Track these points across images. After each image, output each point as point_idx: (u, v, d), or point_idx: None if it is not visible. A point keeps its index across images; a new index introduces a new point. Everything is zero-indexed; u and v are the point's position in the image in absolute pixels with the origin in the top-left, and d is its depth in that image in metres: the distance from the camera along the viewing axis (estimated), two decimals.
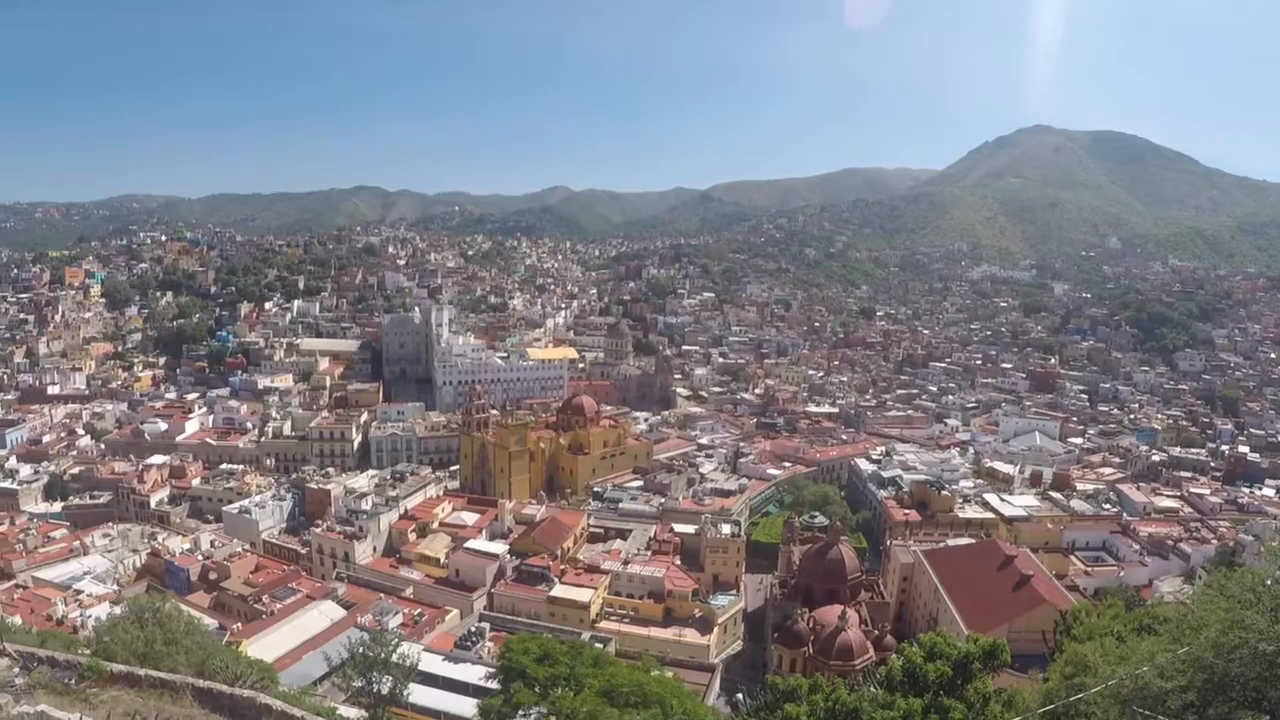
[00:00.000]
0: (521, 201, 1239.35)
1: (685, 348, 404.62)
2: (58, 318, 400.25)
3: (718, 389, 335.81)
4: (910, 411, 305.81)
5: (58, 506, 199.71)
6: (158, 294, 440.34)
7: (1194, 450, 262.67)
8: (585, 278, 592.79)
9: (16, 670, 41.21)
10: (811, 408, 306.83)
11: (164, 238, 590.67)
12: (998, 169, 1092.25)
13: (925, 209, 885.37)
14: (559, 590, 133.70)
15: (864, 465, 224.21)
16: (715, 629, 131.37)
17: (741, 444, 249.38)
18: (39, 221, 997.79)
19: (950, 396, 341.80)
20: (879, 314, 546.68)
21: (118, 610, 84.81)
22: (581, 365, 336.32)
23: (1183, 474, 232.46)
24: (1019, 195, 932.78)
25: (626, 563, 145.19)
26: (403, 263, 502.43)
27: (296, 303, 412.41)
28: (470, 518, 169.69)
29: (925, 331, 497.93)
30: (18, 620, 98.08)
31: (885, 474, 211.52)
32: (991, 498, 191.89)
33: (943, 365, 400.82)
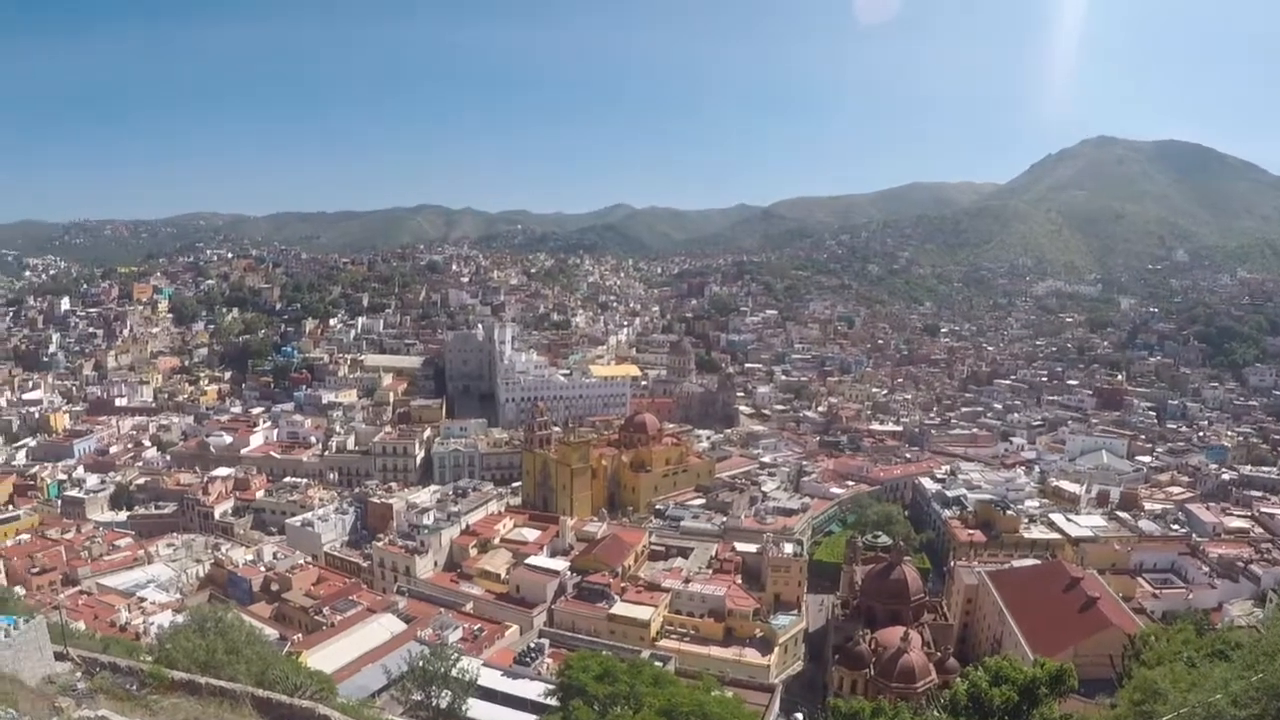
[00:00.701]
0: (584, 219, 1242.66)
1: (748, 365, 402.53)
2: (126, 332, 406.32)
3: (781, 407, 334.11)
4: (975, 430, 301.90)
5: (123, 516, 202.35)
6: (224, 310, 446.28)
7: (1265, 468, 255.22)
8: (648, 295, 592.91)
9: (79, 675, 41.41)
10: (875, 426, 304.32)
11: (230, 255, 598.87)
12: (1061, 181, 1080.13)
13: (989, 223, 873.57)
14: (619, 608, 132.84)
15: (928, 484, 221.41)
16: (776, 649, 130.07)
17: (804, 462, 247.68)
18: (108, 239, 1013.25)
19: (1015, 414, 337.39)
20: (943, 330, 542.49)
21: (180, 619, 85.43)
22: (644, 383, 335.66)
23: (1254, 493, 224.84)
24: (1083, 208, 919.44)
25: (687, 581, 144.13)
26: (466, 280, 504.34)
27: (361, 319, 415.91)
28: (532, 534, 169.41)
29: (990, 348, 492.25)
30: (81, 626, 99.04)
31: (949, 493, 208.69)
32: (1057, 518, 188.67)
33: (1008, 382, 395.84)
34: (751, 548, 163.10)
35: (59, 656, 44.20)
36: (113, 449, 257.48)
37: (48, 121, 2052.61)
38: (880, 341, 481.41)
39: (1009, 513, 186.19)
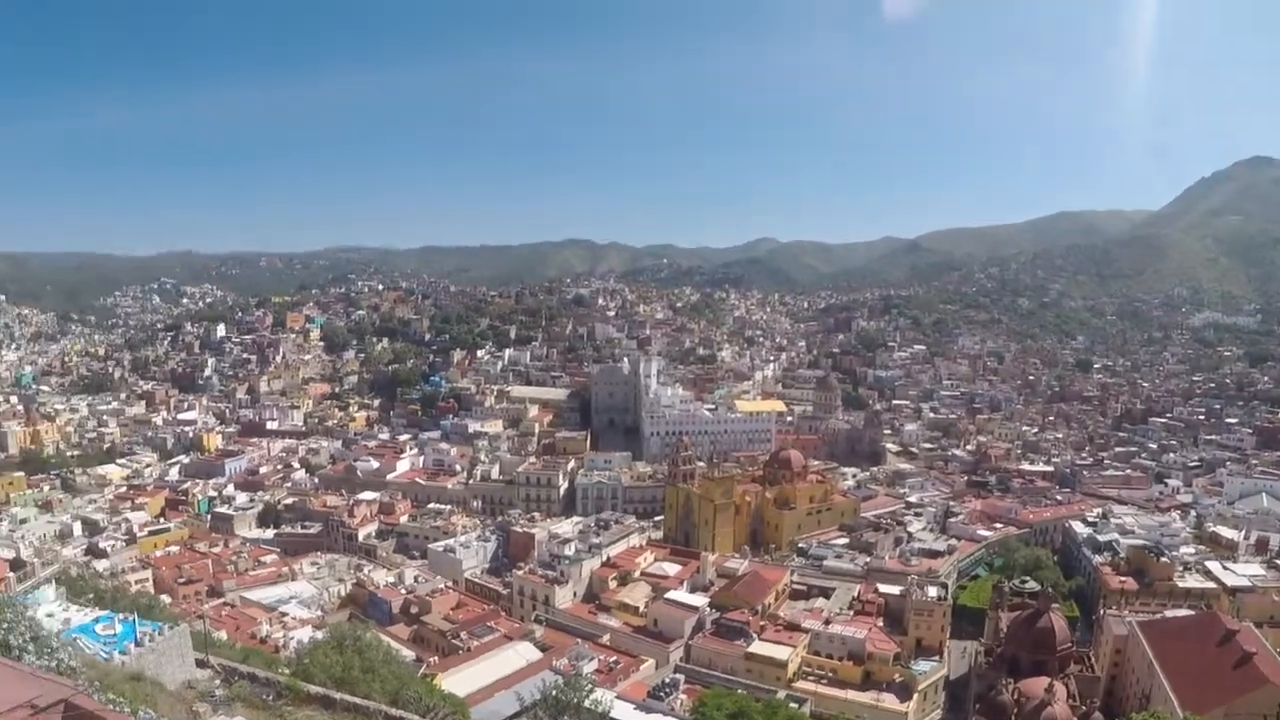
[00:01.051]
0: (729, 253, 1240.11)
1: (895, 402, 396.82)
2: (279, 359, 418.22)
3: (928, 445, 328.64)
4: (1128, 471, 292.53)
5: (270, 533, 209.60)
6: (374, 339, 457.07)
7: None
8: (794, 330, 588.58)
9: (218, 682, 42.25)
10: (1025, 466, 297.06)
11: (380, 287, 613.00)
12: (1216, 206, 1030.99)
13: (1141, 252, 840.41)
14: (757, 646, 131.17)
15: (1078, 528, 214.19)
16: (915, 696, 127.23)
17: (951, 503, 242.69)
18: (263, 270, 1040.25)
19: (1171, 454, 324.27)
20: (1095, 366, 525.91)
21: (320, 635, 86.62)
22: (789, 419, 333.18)
23: None
24: (1240, 233, 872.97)
25: (828, 622, 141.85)
26: (612, 314, 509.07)
27: (508, 351, 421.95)
28: (672, 568, 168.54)
29: (1144, 384, 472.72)
30: (223, 636, 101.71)
31: (1101, 538, 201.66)
32: (1214, 566, 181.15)
33: (1163, 421, 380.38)
34: (895, 590, 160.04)
35: (200, 664, 45.29)
36: (262, 469, 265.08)
37: (207, 159, 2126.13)
38: (1031, 378, 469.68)
39: (1162, 559, 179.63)
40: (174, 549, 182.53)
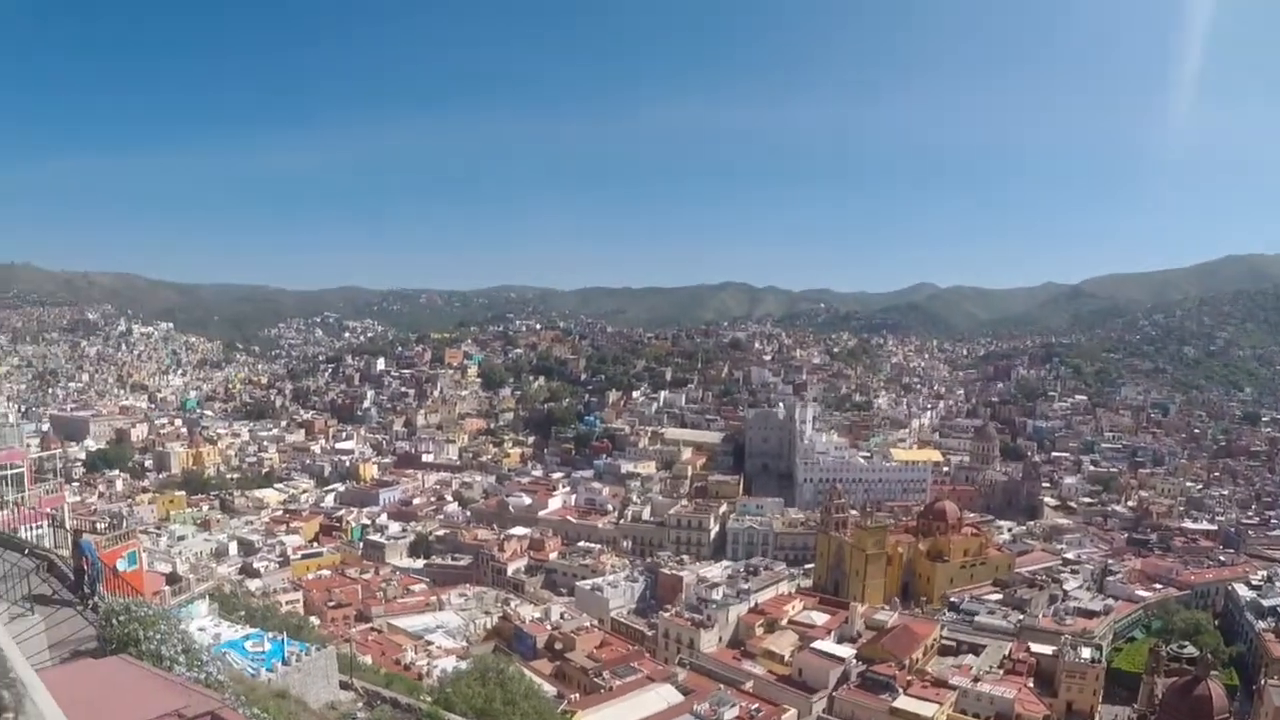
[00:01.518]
0: (887, 299, 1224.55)
1: (1054, 454, 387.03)
2: (436, 393, 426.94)
3: (1087, 500, 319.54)
4: None
5: (420, 563, 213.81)
6: (530, 378, 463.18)
7: None
8: (952, 377, 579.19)
9: (360, 705, 43.31)
10: (1187, 524, 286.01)
11: (538, 326, 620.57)
12: None
13: None
14: (903, 701, 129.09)
15: (1242, 591, 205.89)
16: None
17: (1110, 561, 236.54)
18: (423, 307, 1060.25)
19: None
20: (1264, 419, 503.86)
21: (464, 665, 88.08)
22: (946, 469, 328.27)
23: None
24: None
25: (976, 680, 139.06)
26: (768, 358, 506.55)
27: (663, 393, 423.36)
28: (820, 618, 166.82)
29: None
30: (368, 660, 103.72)
31: (1265, 602, 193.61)
32: None
33: None
34: (1047, 649, 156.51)
35: (344, 686, 46.51)
36: (415, 500, 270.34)
37: (371, 197, 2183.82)
38: (1196, 431, 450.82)
39: None
40: (325, 573, 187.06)
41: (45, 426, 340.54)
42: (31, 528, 48.61)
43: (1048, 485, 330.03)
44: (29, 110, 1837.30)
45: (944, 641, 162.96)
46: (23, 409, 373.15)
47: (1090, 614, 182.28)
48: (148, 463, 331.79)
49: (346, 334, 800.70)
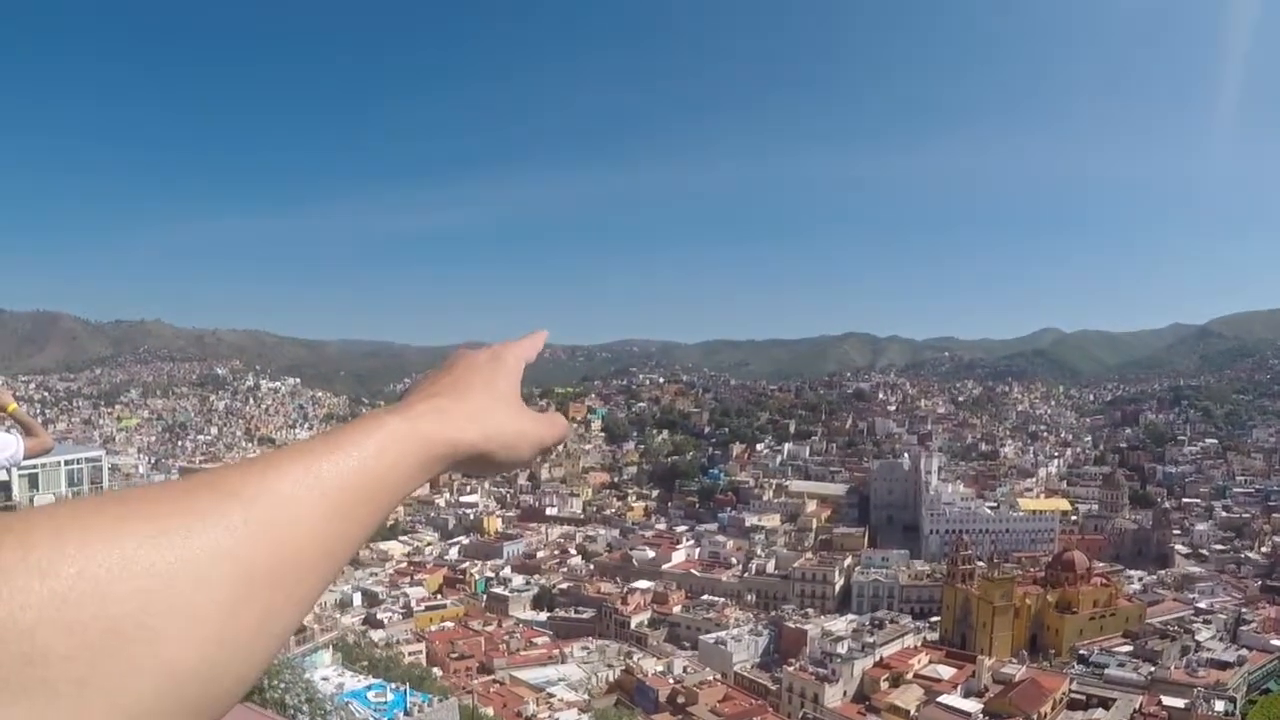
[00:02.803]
0: (1011, 345, 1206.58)
1: (1185, 500, 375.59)
2: (560, 448, 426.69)
3: (1219, 546, 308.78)
4: None
5: (543, 616, 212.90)
6: (654, 431, 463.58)
7: None
8: (1079, 424, 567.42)
9: None
10: None
11: (661, 379, 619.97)
12: None
13: None
14: None
15: None
16: None
17: (1243, 610, 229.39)
18: (546, 360, 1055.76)
19: None
20: None
21: (585, 718, 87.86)
22: (1074, 517, 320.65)
23: None
24: None
25: None
26: (892, 408, 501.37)
27: (787, 445, 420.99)
28: (946, 672, 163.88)
29: None
30: (490, 712, 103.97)
31: None
32: None
33: None
34: (1179, 703, 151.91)
35: None
36: (539, 553, 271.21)
37: (490, 252, 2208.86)
38: None
39: None
40: (449, 625, 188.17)
41: (175, 478, 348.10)
42: None
43: (1178, 532, 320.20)
44: (154, 173, 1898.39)
45: (1073, 695, 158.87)
46: (153, 460, 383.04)
47: (1224, 665, 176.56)
48: None
49: None
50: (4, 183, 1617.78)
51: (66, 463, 78.42)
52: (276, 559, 1.50)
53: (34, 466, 67.85)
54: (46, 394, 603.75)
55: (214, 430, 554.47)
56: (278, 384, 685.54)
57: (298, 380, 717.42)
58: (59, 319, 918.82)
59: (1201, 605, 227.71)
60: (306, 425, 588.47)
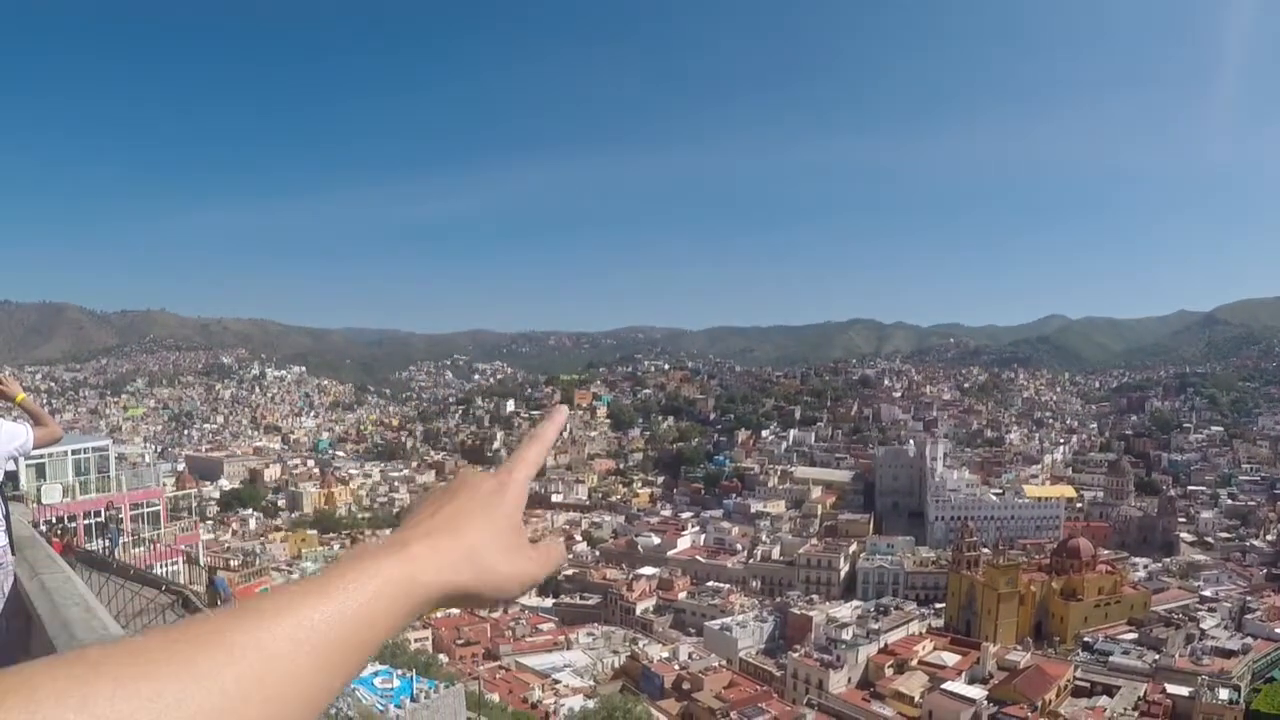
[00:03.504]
0: (1017, 332, 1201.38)
1: (1190, 487, 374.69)
2: (565, 435, 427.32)
3: (1225, 534, 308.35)
4: None
5: (549, 602, 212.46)
6: (659, 418, 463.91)
7: None
8: (1085, 411, 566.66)
9: None
10: None
11: (667, 366, 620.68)
12: None
13: None
14: None
15: None
16: None
17: (1249, 598, 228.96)
18: (551, 348, 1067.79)
19: None
20: None
21: (591, 704, 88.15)
22: (1079, 504, 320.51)
23: None
24: None
25: None
26: (898, 395, 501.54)
27: (792, 432, 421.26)
28: (950, 658, 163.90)
29: None
30: (495, 698, 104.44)
31: None
32: None
33: None
34: (1183, 690, 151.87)
35: None
36: (545, 540, 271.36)
37: (499, 241, 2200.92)
38: None
39: None
40: (455, 611, 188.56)
41: (181, 466, 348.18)
42: (167, 564, 49.73)
43: (1184, 520, 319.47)
44: (160, 164, 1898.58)
45: (1077, 682, 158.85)
46: (159, 449, 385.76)
47: (1228, 653, 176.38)
48: (280, 502, 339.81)
49: (476, 376, 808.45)
50: (10, 175, 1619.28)
51: (74, 452, 78.65)
52: (265, 715, 1.52)
53: (42, 456, 68.24)
54: (53, 384, 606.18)
55: (220, 419, 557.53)
56: (283, 372, 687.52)
57: (303, 369, 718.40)
58: (65, 310, 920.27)
59: (1206, 593, 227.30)
60: (312, 413, 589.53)
